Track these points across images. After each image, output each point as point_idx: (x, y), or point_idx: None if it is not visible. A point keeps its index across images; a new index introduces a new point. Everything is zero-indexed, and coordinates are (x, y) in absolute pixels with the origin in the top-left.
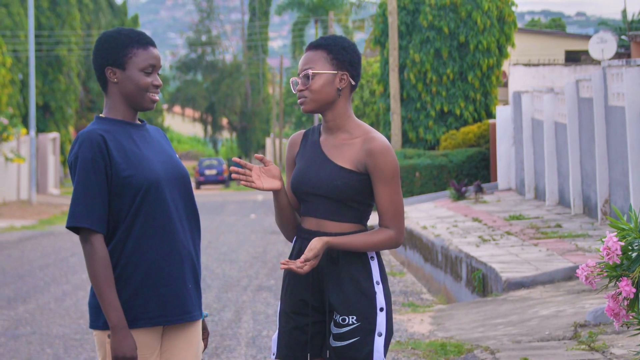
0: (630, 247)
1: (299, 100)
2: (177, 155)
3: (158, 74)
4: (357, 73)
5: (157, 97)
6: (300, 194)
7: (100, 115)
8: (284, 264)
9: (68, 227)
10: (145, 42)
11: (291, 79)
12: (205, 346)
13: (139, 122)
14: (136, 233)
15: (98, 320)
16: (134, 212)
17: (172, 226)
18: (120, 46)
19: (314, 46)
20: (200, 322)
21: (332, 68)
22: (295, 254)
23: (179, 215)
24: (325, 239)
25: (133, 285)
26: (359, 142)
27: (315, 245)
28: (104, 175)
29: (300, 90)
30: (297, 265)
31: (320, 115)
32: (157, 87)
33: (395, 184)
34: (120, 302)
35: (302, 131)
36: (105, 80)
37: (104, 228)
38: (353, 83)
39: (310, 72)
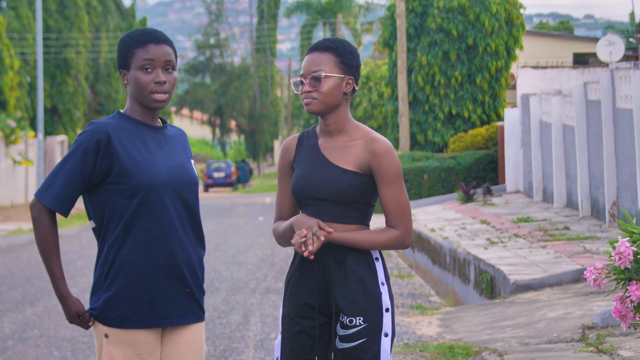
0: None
1: (304, 101)
2: (192, 162)
3: (168, 70)
4: (359, 78)
5: (161, 95)
6: (303, 199)
7: (121, 110)
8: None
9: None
10: (145, 40)
11: (293, 79)
12: None
13: (158, 124)
14: (134, 235)
15: (97, 316)
16: (132, 214)
17: (171, 231)
18: (124, 48)
19: (322, 48)
20: (202, 325)
21: (340, 72)
22: (299, 259)
23: (182, 221)
24: (326, 236)
25: (127, 287)
26: (361, 143)
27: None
28: (91, 166)
29: (308, 92)
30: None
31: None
32: (160, 83)
33: (400, 183)
34: (113, 302)
35: (296, 135)
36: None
37: (64, 210)
38: (355, 88)
39: (322, 74)
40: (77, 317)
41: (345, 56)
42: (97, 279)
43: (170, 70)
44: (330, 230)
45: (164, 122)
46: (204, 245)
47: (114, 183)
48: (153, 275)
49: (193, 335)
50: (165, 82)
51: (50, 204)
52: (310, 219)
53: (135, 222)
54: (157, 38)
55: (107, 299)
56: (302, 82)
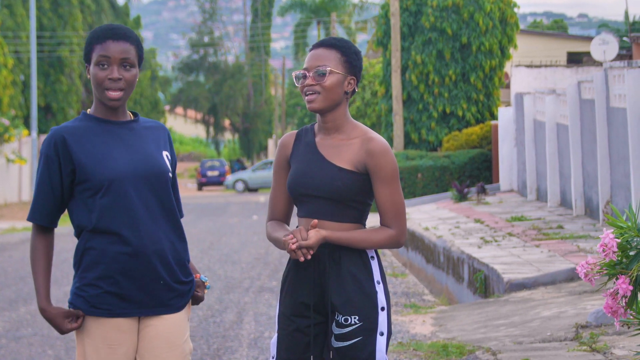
0: (628, 245)
1: (307, 96)
2: (164, 154)
3: (125, 67)
4: (360, 80)
5: (115, 93)
6: (298, 196)
7: (87, 111)
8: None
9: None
10: (105, 36)
11: (295, 72)
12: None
13: (124, 119)
14: (102, 229)
15: (70, 305)
16: (98, 209)
17: (138, 223)
18: (87, 43)
19: (327, 45)
20: (181, 318)
21: (344, 70)
22: None
23: (151, 213)
24: (322, 232)
25: (95, 277)
26: (358, 142)
27: (312, 236)
28: (57, 172)
29: (311, 85)
30: (290, 247)
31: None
32: (113, 80)
33: (396, 183)
34: (83, 291)
35: (294, 132)
36: None
37: (53, 222)
38: (356, 89)
39: (328, 69)
40: (65, 318)
41: (350, 56)
42: (74, 270)
43: (127, 67)
44: (315, 221)
45: (135, 114)
46: (183, 235)
47: (79, 183)
48: (121, 266)
49: (172, 331)
50: (119, 79)
51: (30, 218)
52: (312, 235)
53: (102, 215)
54: (117, 35)
55: (78, 288)
56: (304, 76)
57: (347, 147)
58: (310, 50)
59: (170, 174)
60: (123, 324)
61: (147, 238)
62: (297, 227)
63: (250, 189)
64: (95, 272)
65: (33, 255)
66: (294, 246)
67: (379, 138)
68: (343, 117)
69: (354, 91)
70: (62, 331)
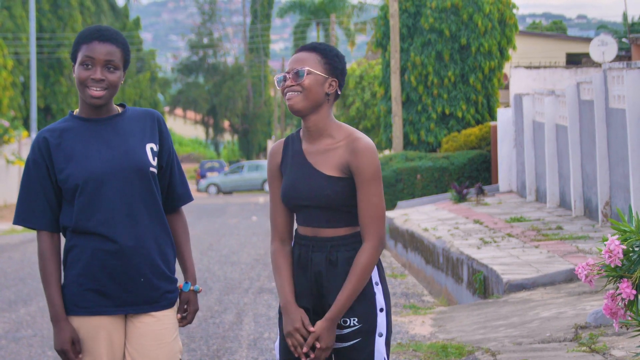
0: (631, 249)
1: (287, 96)
2: (147, 147)
3: (109, 69)
4: (343, 84)
5: (97, 92)
6: (292, 207)
7: (74, 111)
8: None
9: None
10: (92, 37)
11: (276, 76)
12: (190, 321)
13: (107, 115)
14: (81, 228)
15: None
16: (77, 208)
17: (116, 221)
18: (75, 43)
19: (308, 48)
20: (168, 316)
21: (324, 72)
22: (295, 261)
23: (132, 209)
24: (327, 322)
25: (76, 275)
26: (343, 144)
27: (324, 338)
28: (45, 174)
29: (290, 86)
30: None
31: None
32: (97, 81)
33: (376, 185)
34: (66, 290)
35: (282, 140)
36: None
37: (48, 225)
38: (339, 92)
39: (306, 69)
40: (70, 343)
41: (331, 58)
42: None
43: (111, 69)
44: (312, 329)
45: (123, 106)
46: (168, 230)
47: (61, 183)
48: (100, 263)
49: (161, 329)
50: (102, 80)
51: (42, 226)
52: (292, 325)
53: (79, 215)
54: (103, 36)
55: (63, 286)
56: (285, 78)
57: (333, 151)
58: (293, 54)
59: (154, 169)
60: (104, 321)
61: (125, 236)
62: (296, 230)
63: (223, 192)
64: (76, 269)
65: (41, 263)
66: (304, 358)
67: (365, 138)
68: (326, 120)
69: (337, 95)
70: (61, 348)
